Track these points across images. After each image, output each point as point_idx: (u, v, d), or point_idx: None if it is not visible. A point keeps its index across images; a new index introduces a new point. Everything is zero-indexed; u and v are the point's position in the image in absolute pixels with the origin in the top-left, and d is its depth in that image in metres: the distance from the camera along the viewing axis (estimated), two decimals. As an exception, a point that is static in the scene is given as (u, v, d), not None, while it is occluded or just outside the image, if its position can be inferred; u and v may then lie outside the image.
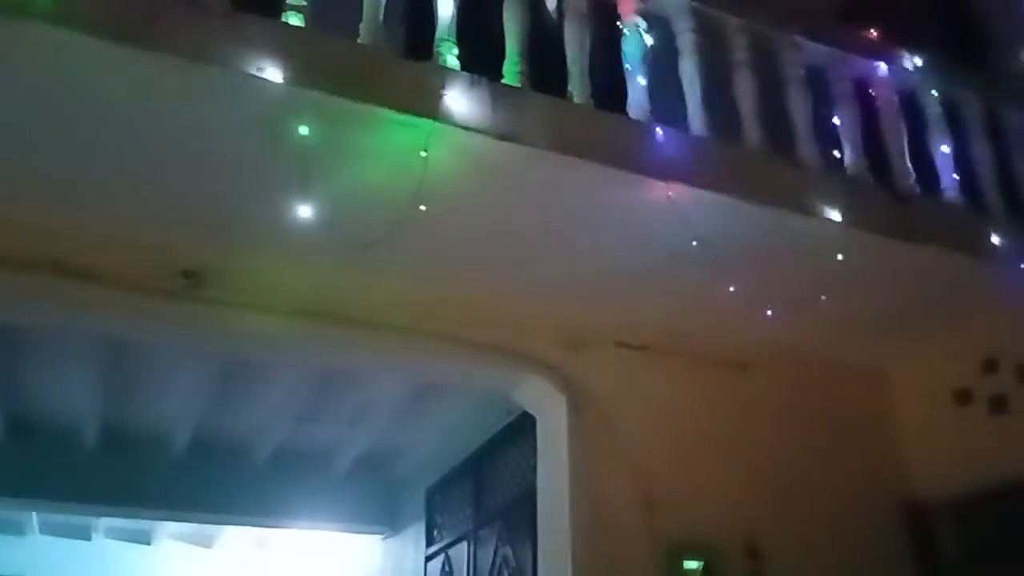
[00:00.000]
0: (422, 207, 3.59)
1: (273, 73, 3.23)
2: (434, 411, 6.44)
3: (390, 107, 3.40)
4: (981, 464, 5.00)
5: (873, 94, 4.74)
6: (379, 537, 8.57)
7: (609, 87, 4.02)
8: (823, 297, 4.49)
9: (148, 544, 9.74)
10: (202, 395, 6.24)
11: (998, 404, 5.02)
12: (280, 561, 9.84)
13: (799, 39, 4.55)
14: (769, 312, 4.70)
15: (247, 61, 3.21)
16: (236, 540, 9.76)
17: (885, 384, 5.70)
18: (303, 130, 3.38)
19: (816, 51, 4.62)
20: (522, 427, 5.39)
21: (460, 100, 3.49)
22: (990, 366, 5.09)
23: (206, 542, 9.87)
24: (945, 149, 4.78)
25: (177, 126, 3.47)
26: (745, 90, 4.35)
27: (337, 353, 4.96)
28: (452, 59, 3.65)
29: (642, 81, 4.05)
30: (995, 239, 4.58)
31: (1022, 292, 4.75)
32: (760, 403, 5.23)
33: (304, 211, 3.64)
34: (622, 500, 4.64)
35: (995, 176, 4.85)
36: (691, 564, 4.62)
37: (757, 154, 4.24)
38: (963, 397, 5.23)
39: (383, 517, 8.26)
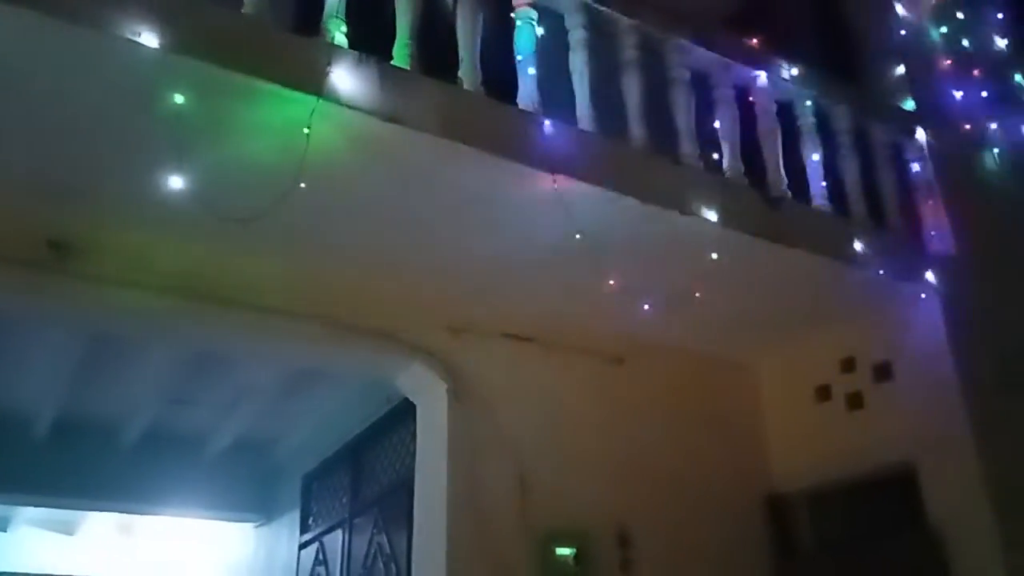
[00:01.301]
0: (302, 185, 3.52)
1: (149, 38, 3.10)
2: (312, 396, 6.32)
3: (273, 81, 3.32)
4: (836, 458, 5.29)
5: (752, 100, 4.92)
6: (252, 525, 8.37)
7: (499, 76, 4.03)
8: (697, 294, 4.64)
9: (3, 531, 9.20)
10: (67, 372, 5.93)
11: (855, 401, 5.31)
12: (147, 549, 9.47)
13: (685, 43, 4.67)
14: (647, 307, 4.83)
15: (122, 24, 3.07)
16: (100, 527, 9.33)
17: (753, 380, 5.94)
18: (179, 99, 3.27)
19: (701, 55, 4.75)
20: (402, 414, 5.36)
21: (346, 78, 3.44)
22: (848, 365, 5.38)
23: (67, 528, 9.38)
24: (816, 158, 5.00)
25: (44, 89, 3.30)
26: (632, 89, 4.44)
27: (211, 333, 4.80)
28: (340, 36, 3.59)
29: (532, 72, 4.08)
30: (858, 246, 4.82)
31: (880, 297, 5.04)
32: (635, 396, 5.37)
33: (177, 183, 3.50)
34: (499, 488, 4.68)
35: (860, 187, 5.10)
36: (564, 551, 4.70)
37: (641, 151, 4.34)
38: (823, 394, 5.50)
39: (257, 504, 8.07)
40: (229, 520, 8.51)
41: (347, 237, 4.34)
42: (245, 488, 7.99)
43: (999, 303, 5.25)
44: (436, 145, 3.63)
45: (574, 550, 4.71)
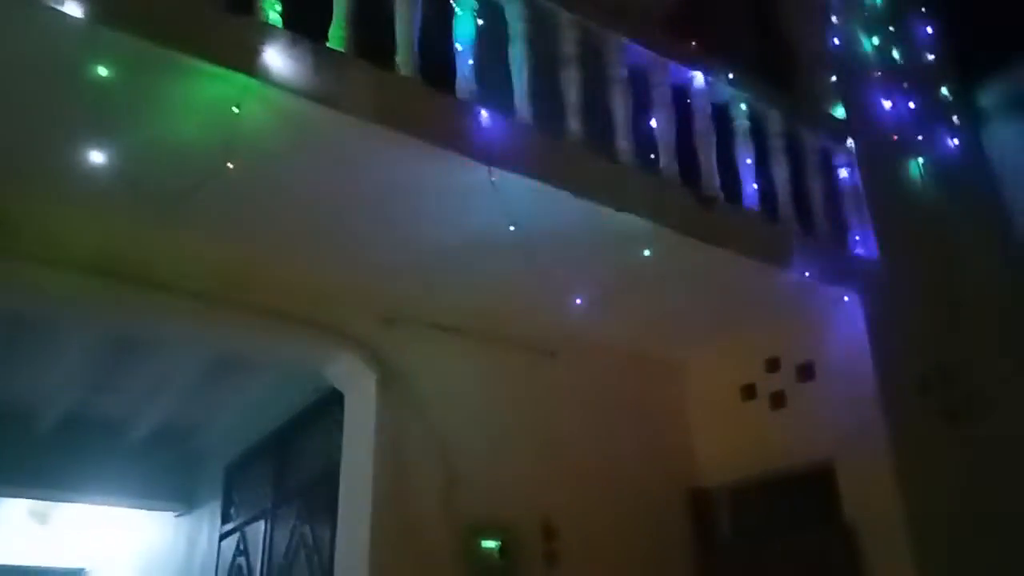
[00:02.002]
0: (230, 165, 3.43)
1: (72, 7, 2.98)
2: (237, 384, 6.20)
3: (203, 58, 3.22)
4: (758, 455, 5.40)
5: (689, 101, 4.97)
6: (172, 514, 8.18)
7: (437, 64, 3.99)
8: (629, 290, 4.67)
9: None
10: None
11: (777, 400, 5.43)
12: (62, 538, 9.17)
13: (625, 40, 4.70)
14: (579, 301, 4.85)
15: (43, -10, 2.95)
16: (13, 514, 8.99)
17: (682, 378, 6.02)
18: (103, 72, 3.15)
19: (640, 53, 4.79)
20: (329, 404, 5.29)
21: (279, 58, 3.36)
22: (773, 365, 5.50)
23: (-23, 515, 9.06)
24: (748, 161, 5.08)
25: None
26: (571, 83, 4.45)
27: (132, 316, 4.65)
28: (274, 15, 3.50)
29: (471, 61, 4.05)
30: (786, 248, 4.92)
31: (805, 299, 5.16)
32: (565, 390, 5.40)
33: (100, 159, 3.38)
34: (425, 480, 4.66)
35: (790, 191, 5.21)
36: (489, 544, 4.70)
37: (578, 146, 4.35)
38: (749, 392, 5.61)
39: (178, 493, 7.89)
40: (149, 509, 8.30)
41: (276, 221, 4.25)
42: (166, 476, 7.81)
43: (917, 308, 5.43)
44: (369, 130, 3.56)
45: (499, 543, 4.72)
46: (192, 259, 4.33)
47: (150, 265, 4.22)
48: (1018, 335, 5.99)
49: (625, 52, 4.70)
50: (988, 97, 6.76)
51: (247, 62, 3.28)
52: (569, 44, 4.50)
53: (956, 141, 6.60)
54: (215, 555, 6.70)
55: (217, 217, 4.11)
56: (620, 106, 4.58)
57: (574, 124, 4.37)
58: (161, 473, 7.76)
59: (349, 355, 4.75)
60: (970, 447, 5.18)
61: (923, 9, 7.08)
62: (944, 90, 6.82)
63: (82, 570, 9.20)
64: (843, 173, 5.59)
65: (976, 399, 5.33)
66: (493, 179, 3.89)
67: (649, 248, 4.50)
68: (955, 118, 6.73)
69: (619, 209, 4.32)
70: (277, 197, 4.04)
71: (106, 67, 3.15)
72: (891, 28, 6.64)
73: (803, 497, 5.25)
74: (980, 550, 4.84)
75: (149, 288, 4.24)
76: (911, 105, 6.37)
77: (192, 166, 3.46)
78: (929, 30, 6.99)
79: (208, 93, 3.31)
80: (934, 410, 5.13)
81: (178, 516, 8.12)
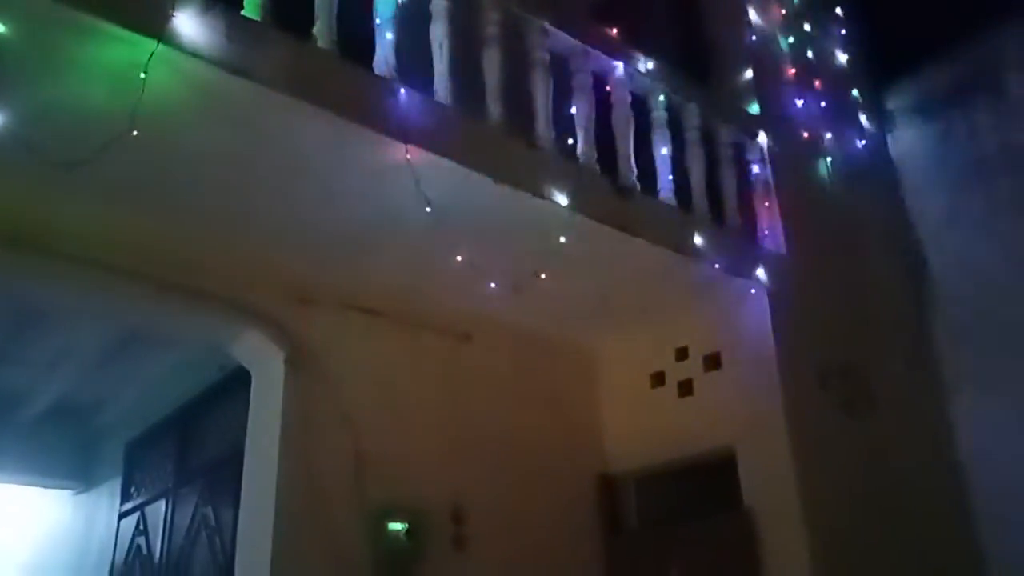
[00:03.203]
0: (135, 132, 3.30)
1: (-34, -44, 2.82)
2: (140, 360, 6.01)
3: (110, 20, 3.08)
4: (665, 441, 5.52)
5: (609, 90, 5.01)
6: (70, 493, 7.90)
7: (357, 38, 3.91)
8: (543, 276, 4.69)
9: None
10: None
11: (685, 388, 5.55)
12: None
13: (548, 25, 4.69)
14: (493, 285, 4.85)
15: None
16: None
17: (593, 365, 6.10)
18: (1, 29, 2.99)
19: (562, 39, 4.79)
20: (235, 383, 5.16)
21: (191, 24, 3.23)
22: (682, 354, 5.61)
23: None
24: (665, 152, 5.16)
25: None
26: (492, 66, 4.42)
27: (31, 286, 4.47)
28: (187, -21, 3.38)
29: (390, 37, 3.99)
30: (698, 240, 5.01)
31: (714, 290, 5.28)
32: (479, 374, 5.41)
33: (-8, 119, 3.22)
34: (333, 461, 4.60)
35: (704, 183, 5.30)
36: (396, 527, 4.67)
37: (497, 130, 4.33)
38: (658, 380, 5.72)
39: (75, 471, 7.64)
40: (45, 487, 8.02)
41: (184, 193, 4.11)
42: (63, 453, 7.56)
43: (819, 303, 5.61)
44: (283, 103, 3.47)
45: (406, 525, 4.70)
46: (95, 229, 4.16)
47: (51, 234, 4.05)
48: (909, 336, 6.26)
49: (548, 37, 4.69)
50: (896, 100, 7.01)
51: (156, 26, 3.15)
52: (491, 25, 4.46)
53: (863, 142, 6.83)
54: (114, 535, 6.50)
55: (121, 186, 3.95)
56: (541, 91, 4.58)
57: (494, 107, 4.35)
58: (58, 450, 7.51)
59: (256, 333, 4.66)
60: (862, 438, 5.40)
61: (838, 11, 7.28)
62: (855, 91, 7.04)
63: (-29, 550, 8.82)
64: (755, 168, 5.72)
65: (869, 394, 5.55)
66: (409, 158, 3.85)
67: (565, 235, 4.53)
68: (864, 119, 6.96)
69: (536, 195, 4.33)
70: (185, 168, 3.91)
71: (5, 23, 2.99)
72: (807, 28, 6.82)
73: (706, 483, 5.40)
74: (869, 534, 5.06)
75: (49, 257, 4.09)
76: (822, 104, 6.56)
77: (96, 132, 3.31)
78: (843, 32, 7.20)
79: (115, 57, 3.17)
80: (831, 402, 5.32)
81: (76, 494, 7.85)
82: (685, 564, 5.20)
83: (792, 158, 6.02)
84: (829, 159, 6.37)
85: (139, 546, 6.10)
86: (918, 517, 5.42)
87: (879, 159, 6.92)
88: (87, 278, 4.27)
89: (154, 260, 4.33)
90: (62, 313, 5.45)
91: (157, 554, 5.79)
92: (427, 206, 4.06)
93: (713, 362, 5.44)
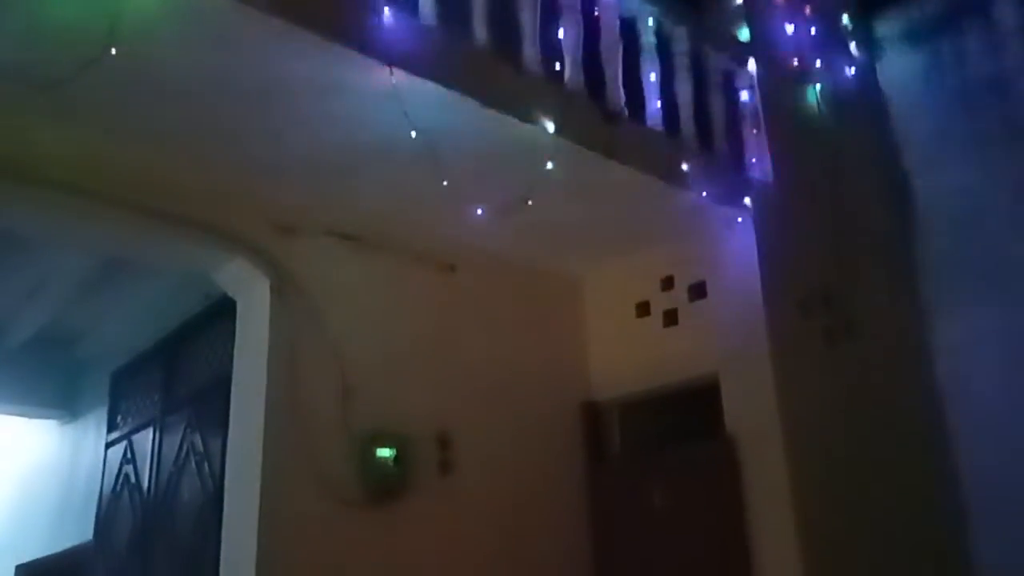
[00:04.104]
0: (113, 51, 3.21)
1: None
2: (125, 288, 5.95)
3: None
4: (650, 370, 5.57)
5: (597, 14, 4.90)
6: (56, 423, 7.91)
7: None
8: (529, 202, 4.66)
9: None
10: None
11: (670, 317, 5.58)
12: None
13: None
14: (480, 211, 4.80)
15: None
16: None
17: (579, 294, 6.12)
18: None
19: (549, -41, 4.67)
20: (221, 311, 5.14)
21: (167, -62, 3.13)
22: (668, 283, 5.63)
23: None
24: (653, 78, 5.08)
25: None
26: (478, -14, 4.31)
27: (6, 212, 4.38)
28: None
29: (374, -45, 3.86)
30: (685, 168, 4.98)
31: (701, 218, 5.27)
32: (464, 303, 5.42)
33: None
34: (320, 388, 4.62)
35: (691, 110, 5.24)
36: (384, 452, 4.72)
37: (484, 53, 4.24)
38: (643, 310, 5.75)
39: (61, 401, 7.63)
40: (31, 416, 8.01)
41: (164, 116, 4.02)
42: (49, 383, 7.54)
43: (805, 232, 5.62)
44: (265, 22, 3.37)
45: (394, 451, 4.74)
46: (74, 154, 4.07)
47: (29, 159, 3.94)
48: (893, 265, 6.30)
49: (534, -44, 4.57)
50: (885, 27, 6.92)
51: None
52: (477, -57, 4.33)
53: (853, 70, 6.76)
54: (101, 464, 6.52)
55: (101, 110, 3.87)
56: (528, 14, 4.47)
57: (480, 30, 4.25)
58: (43, 379, 7.49)
59: (241, 260, 4.62)
60: (844, 365, 5.46)
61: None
62: (845, 18, 6.94)
63: (-41, 480, 8.87)
64: (743, 96, 5.65)
65: (851, 323, 5.60)
66: (393, 79, 3.77)
67: (552, 161, 4.48)
68: (853, 47, 6.87)
69: (523, 120, 4.27)
70: (166, 90, 3.82)
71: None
72: (797, -48, 6.67)
73: (689, 411, 5.47)
74: (849, 458, 5.17)
75: (28, 183, 3.99)
76: (812, 31, 6.46)
77: (72, 52, 3.22)
78: (834, -45, 7.06)
79: (89, -28, 3.07)
80: (814, 330, 5.37)
81: (62, 424, 7.86)
82: (667, 489, 5.30)
83: (781, 85, 5.97)
84: (818, 86, 6.30)
85: (127, 475, 6.13)
86: (898, 443, 5.54)
87: (868, 87, 6.86)
88: (66, 204, 4.18)
89: (134, 186, 4.25)
90: (41, 241, 5.37)
91: (145, 482, 5.83)
92: (412, 131, 3.99)
93: (698, 291, 5.46)
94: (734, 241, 5.28)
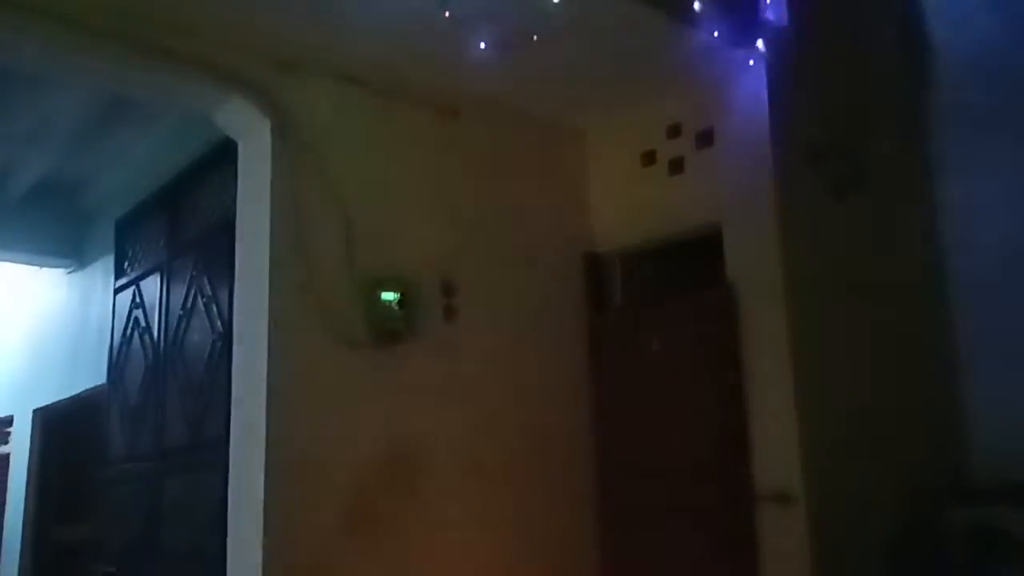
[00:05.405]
0: None
1: None
2: (125, 133, 5.90)
3: None
4: (654, 220, 5.56)
5: None
6: (63, 271, 8.00)
7: None
8: (535, 37, 4.51)
9: None
10: None
11: (676, 166, 5.51)
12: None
13: None
14: (483, 45, 4.64)
15: None
16: None
17: (583, 143, 6.03)
18: None
19: None
20: (222, 154, 5.10)
21: None
22: (675, 131, 5.53)
23: None
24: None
25: None
26: None
27: (6, 44, 4.28)
28: None
29: None
30: (697, 5, 4.77)
31: (711, 62, 5.12)
32: (468, 150, 5.36)
33: None
34: (324, 231, 4.63)
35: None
36: (388, 295, 4.77)
37: None
38: (649, 159, 5.67)
39: (67, 250, 7.69)
40: (38, 264, 8.12)
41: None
42: (54, 231, 7.59)
43: (817, 78, 5.47)
44: None
45: (399, 295, 4.80)
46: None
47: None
48: (904, 115, 6.16)
49: None
50: None
51: None
52: None
53: (877, -90, 6.41)
54: (110, 309, 6.63)
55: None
56: None
57: None
58: (48, 228, 7.53)
59: (241, 99, 4.54)
60: (849, 218, 5.43)
61: None
62: None
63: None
64: (761, -68, 5.38)
65: (860, 173, 5.53)
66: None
67: (559, -7, 4.31)
68: None
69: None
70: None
71: None
72: None
73: (692, 262, 5.48)
74: (849, 311, 5.19)
75: (23, 13, 3.87)
76: None
77: None
78: None
79: None
80: (821, 181, 5.30)
81: (69, 273, 7.95)
82: (667, 336, 5.39)
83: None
84: (840, -74, 5.98)
85: (137, 319, 6.24)
86: (899, 295, 5.56)
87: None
88: (63, 38, 4.09)
89: (130, 19, 4.13)
90: (38, 80, 5.27)
91: (155, 325, 5.94)
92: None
93: (705, 139, 5.36)
94: (744, 86, 5.15)
